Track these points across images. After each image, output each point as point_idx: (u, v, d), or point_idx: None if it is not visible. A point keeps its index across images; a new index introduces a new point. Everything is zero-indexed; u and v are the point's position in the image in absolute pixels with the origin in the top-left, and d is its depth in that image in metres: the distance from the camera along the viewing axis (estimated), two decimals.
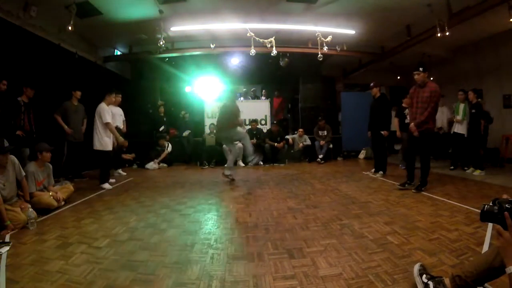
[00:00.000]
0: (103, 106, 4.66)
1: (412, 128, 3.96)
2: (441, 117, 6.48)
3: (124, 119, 6.00)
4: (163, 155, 7.13)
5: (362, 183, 4.67)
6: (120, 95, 5.74)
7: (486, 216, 1.23)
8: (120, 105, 5.84)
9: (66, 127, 5.04)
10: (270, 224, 2.76)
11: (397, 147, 7.12)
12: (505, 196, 1.24)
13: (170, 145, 7.38)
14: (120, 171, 6.01)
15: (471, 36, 6.67)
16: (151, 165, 6.86)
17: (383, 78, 9.09)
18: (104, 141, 4.60)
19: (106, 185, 4.61)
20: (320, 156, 7.30)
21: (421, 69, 3.87)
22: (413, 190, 3.92)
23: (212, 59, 7.96)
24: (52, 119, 4.96)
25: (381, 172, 5.22)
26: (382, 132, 5.13)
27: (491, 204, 1.22)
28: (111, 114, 4.79)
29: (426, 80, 3.91)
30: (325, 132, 7.60)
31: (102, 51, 7.07)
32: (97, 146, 4.60)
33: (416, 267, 1.63)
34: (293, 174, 5.78)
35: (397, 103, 6.33)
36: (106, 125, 4.59)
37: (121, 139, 4.88)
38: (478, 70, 7.25)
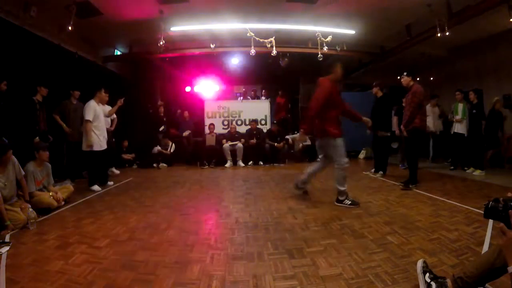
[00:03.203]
0: (89, 103, 4.48)
1: (402, 129, 4.30)
2: (433, 117, 6.48)
3: (115, 117, 5.73)
4: (165, 151, 7.19)
5: (362, 183, 4.66)
6: (107, 94, 5.24)
7: (490, 213, 1.22)
8: (109, 103, 5.35)
9: (65, 126, 5.01)
10: (270, 224, 2.76)
11: (394, 145, 7.17)
12: (510, 195, 1.23)
13: (173, 145, 7.38)
14: (113, 169, 5.93)
15: (471, 36, 6.66)
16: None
17: (383, 78, 9.08)
18: (88, 141, 4.35)
19: (95, 187, 4.39)
20: (320, 156, 7.28)
21: (405, 73, 4.22)
22: (400, 187, 4.09)
23: (212, 59, 7.96)
24: (52, 118, 4.96)
25: (381, 172, 5.23)
26: (382, 133, 5.14)
27: (496, 201, 1.21)
28: (99, 112, 4.59)
29: (411, 83, 4.20)
30: None
31: (102, 51, 7.07)
32: (83, 146, 4.43)
33: (420, 264, 1.62)
34: (293, 174, 5.76)
35: (397, 103, 6.32)
36: (85, 122, 4.36)
37: (90, 141, 4.36)
38: (478, 70, 7.25)
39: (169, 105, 8.64)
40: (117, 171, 5.97)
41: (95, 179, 4.55)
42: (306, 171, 3.77)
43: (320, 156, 3.67)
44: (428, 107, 6.22)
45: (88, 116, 4.36)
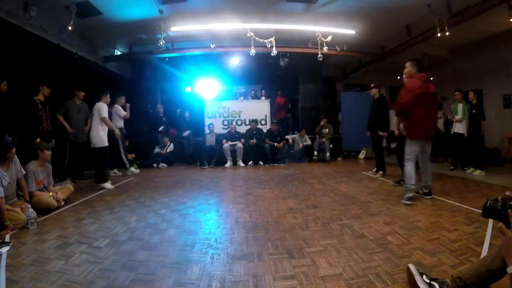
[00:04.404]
0: (103, 104, 4.76)
1: (401, 129, 4.11)
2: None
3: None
4: (162, 151, 7.19)
5: (362, 183, 4.67)
6: (124, 96, 6.06)
7: (488, 212, 1.20)
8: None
9: (67, 126, 5.01)
10: (270, 224, 2.76)
11: (394, 145, 7.18)
12: (508, 193, 1.21)
13: (172, 144, 7.38)
14: (116, 171, 5.97)
15: (471, 36, 6.66)
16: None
17: (383, 78, 9.06)
18: (100, 137, 4.63)
19: (107, 185, 4.57)
20: (315, 153, 7.46)
21: None
22: (392, 184, 4.19)
23: (212, 59, 7.96)
24: (54, 119, 4.95)
25: (380, 172, 5.23)
26: (381, 133, 5.15)
27: (494, 200, 1.20)
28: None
29: None
30: (327, 130, 7.68)
31: (102, 51, 7.07)
32: (95, 143, 4.62)
33: (414, 267, 1.60)
34: (293, 174, 5.77)
35: None
36: (103, 119, 4.66)
37: (117, 131, 5.11)
38: (478, 70, 7.25)
39: (169, 104, 8.65)
40: (119, 173, 5.97)
41: (106, 176, 4.70)
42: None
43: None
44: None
45: (105, 113, 4.73)
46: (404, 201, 3.31)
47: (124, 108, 5.99)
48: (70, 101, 5.15)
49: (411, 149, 3.44)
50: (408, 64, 3.48)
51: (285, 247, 2.20)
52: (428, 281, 1.48)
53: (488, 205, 1.20)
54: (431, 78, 8.35)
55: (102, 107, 4.71)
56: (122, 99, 5.99)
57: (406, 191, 3.39)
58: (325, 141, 7.49)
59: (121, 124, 5.89)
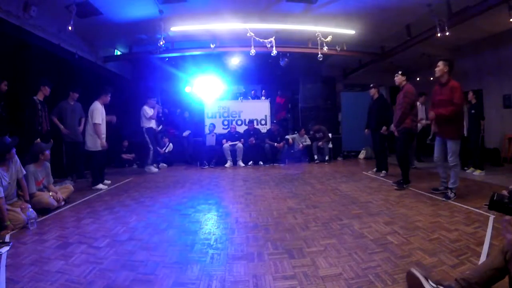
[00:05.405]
0: (96, 105, 4.68)
1: (392, 129, 4.29)
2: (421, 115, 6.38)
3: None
4: (162, 151, 7.20)
5: (362, 183, 4.67)
6: (154, 98, 6.50)
7: (495, 205, 1.19)
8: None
9: (62, 127, 4.99)
10: (270, 224, 2.76)
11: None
12: None
13: (171, 144, 7.39)
14: (155, 166, 6.40)
15: (471, 36, 6.66)
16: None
17: (383, 78, 9.07)
18: (94, 140, 4.61)
19: (100, 186, 4.58)
20: (315, 157, 7.37)
21: (399, 72, 4.19)
22: (395, 187, 4.12)
23: (212, 59, 7.96)
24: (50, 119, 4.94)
25: (384, 172, 5.24)
26: (381, 130, 5.17)
27: (501, 193, 1.19)
28: (103, 114, 4.85)
29: (403, 83, 4.17)
30: (321, 134, 7.61)
31: (102, 51, 7.07)
32: (89, 146, 4.63)
33: (417, 271, 1.55)
34: (293, 174, 5.77)
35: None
36: (94, 125, 4.60)
37: (103, 142, 4.69)
38: (478, 70, 7.25)
39: (169, 104, 8.66)
40: (164, 165, 6.59)
41: (98, 179, 4.68)
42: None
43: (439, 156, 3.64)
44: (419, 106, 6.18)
45: (97, 119, 4.61)
46: (451, 200, 3.35)
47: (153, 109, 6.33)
48: (63, 101, 5.11)
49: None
50: (441, 63, 3.41)
51: (285, 247, 2.20)
52: (435, 285, 1.45)
53: (495, 198, 1.19)
54: (431, 78, 8.43)
55: (95, 111, 4.60)
56: (152, 101, 6.35)
57: (451, 191, 3.43)
58: (322, 144, 7.43)
59: (149, 124, 6.23)
